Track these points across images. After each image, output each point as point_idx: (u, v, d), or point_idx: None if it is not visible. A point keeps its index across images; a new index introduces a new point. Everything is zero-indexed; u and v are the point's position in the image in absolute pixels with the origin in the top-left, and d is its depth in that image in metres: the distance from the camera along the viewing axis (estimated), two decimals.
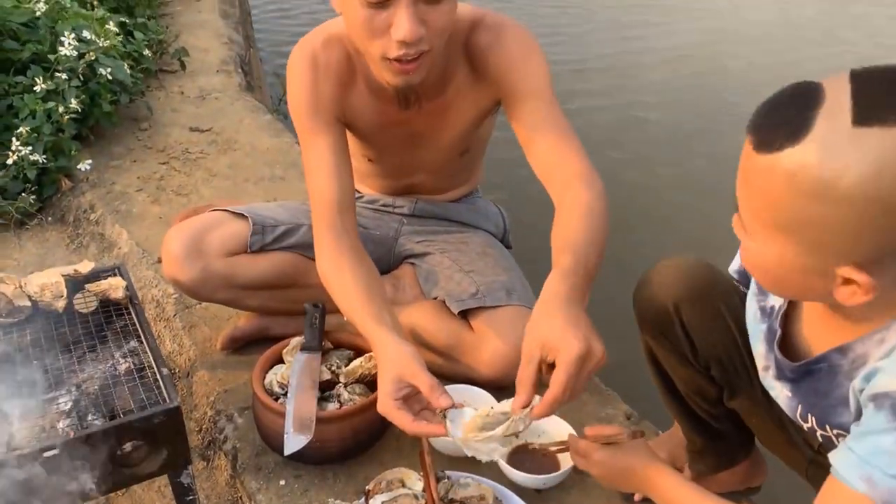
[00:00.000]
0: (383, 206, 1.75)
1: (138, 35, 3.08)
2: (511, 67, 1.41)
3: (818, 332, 0.93)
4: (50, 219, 2.31)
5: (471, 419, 1.11)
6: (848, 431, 0.88)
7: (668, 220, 3.40)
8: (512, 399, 1.08)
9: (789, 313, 0.97)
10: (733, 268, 1.15)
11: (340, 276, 1.32)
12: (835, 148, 0.73)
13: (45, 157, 2.26)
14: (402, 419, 1.09)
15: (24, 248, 2.16)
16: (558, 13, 6.82)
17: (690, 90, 5.03)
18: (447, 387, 1.23)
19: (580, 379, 1.03)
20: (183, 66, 3.32)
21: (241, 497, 1.41)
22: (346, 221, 1.39)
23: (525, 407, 1.06)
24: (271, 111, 3.19)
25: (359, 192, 1.76)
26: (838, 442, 0.92)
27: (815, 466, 1.08)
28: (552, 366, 1.04)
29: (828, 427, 0.93)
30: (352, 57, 1.42)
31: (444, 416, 1.09)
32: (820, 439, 0.97)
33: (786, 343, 0.98)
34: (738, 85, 5.09)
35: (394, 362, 1.14)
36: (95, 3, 3.03)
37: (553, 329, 1.05)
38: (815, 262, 0.79)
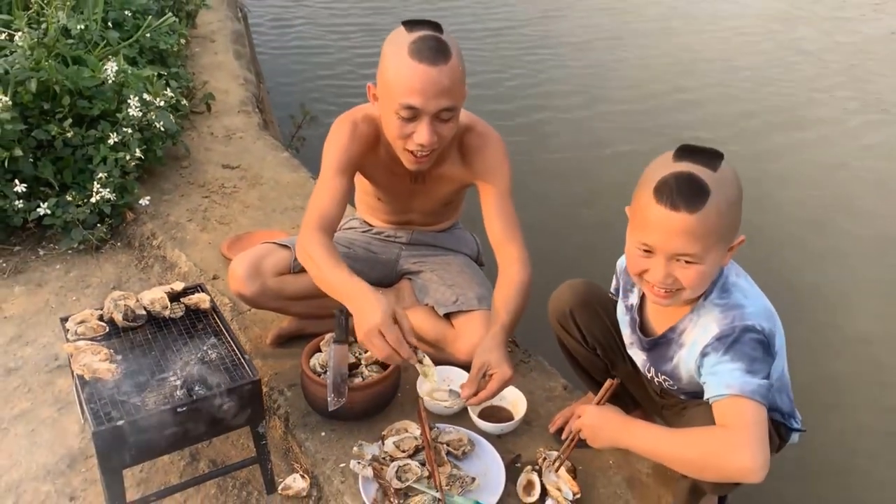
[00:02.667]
0: (387, 236, 2.35)
1: (173, 84, 3.67)
2: (488, 171, 2.03)
3: (656, 319, 1.57)
4: (119, 244, 2.89)
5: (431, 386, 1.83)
6: (668, 375, 1.50)
7: None
8: (461, 385, 1.80)
9: (641, 308, 1.59)
10: (613, 286, 1.77)
11: (317, 250, 1.84)
12: (721, 182, 1.33)
13: (114, 195, 2.85)
14: (387, 341, 1.67)
15: (103, 269, 2.75)
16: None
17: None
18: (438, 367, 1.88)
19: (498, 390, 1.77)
20: (209, 108, 3.91)
21: (292, 446, 2.00)
22: (328, 226, 1.92)
23: (468, 398, 1.78)
24: (286, 147, 3.77)
25: (370, 224, 2.36)
26: (665, 384, 1.54)
27: (665, 409, 1.70)
28: (487, 377, 1.78)
29: (659, 373, 1.57)
30: (379, 133, 2.00)
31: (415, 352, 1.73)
32: (656, 384, 1.60)
33: (641, 326, 1.60)
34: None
35: (383, 303, 1.69)
36: (138, 58, 3.61)
37: (495, 358, 1.78)
38: (726, 247, 1.39)
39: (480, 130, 2.03)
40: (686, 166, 1.34)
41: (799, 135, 5.36)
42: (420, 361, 1.75)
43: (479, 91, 5.82)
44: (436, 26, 1.80)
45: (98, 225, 2.83)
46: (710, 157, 1.34)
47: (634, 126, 5.42)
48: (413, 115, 1.80)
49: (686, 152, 1.36)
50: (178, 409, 1.66)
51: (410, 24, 1.79)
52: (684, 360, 1.49)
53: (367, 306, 1.71)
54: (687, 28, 7.86)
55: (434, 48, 1.75)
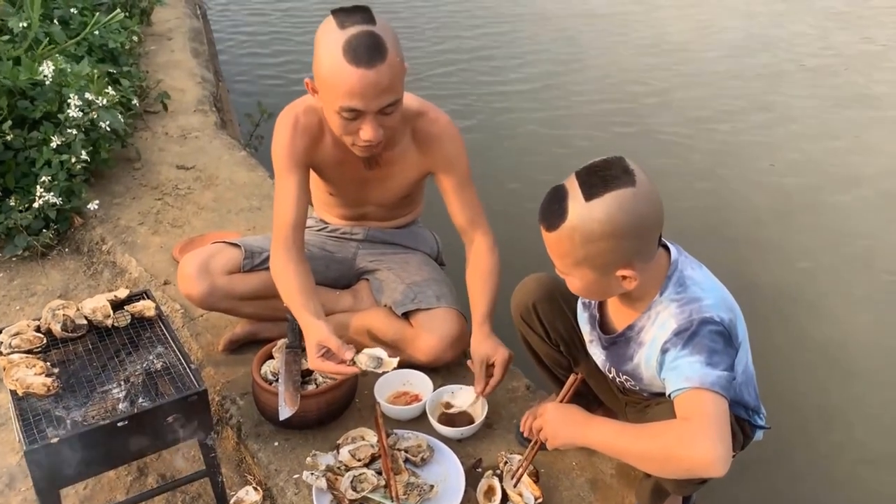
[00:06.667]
0: (343, 234, 2.27)
1: (124, 82, 3.54)
2: (447, 160, 2.00)
3: (616, 316, 1.52)
4: (67, 250, 2.78)
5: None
6: (629, 374, 1.45)
7: None
8: (470, 388, 1.90)
9: (600, 305, 1.54)
10: None
11: (286, 276, 1.88)
12: (583, 215, 1.31)
13: (60, 199, 2.73)
14: (326, 366, 1.71)
15: (49, 276, 2.64)
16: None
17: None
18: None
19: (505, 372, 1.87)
20: (165, 107, 3.79)
21: (245, 457, 1.92)
22: (296, 238, 1.94)
23: (481, 392, 1.86)
24: (244, 146, 3.67)
25: (325, 222, 2.29)
26: (627, 383, 1.48)
27: (629, 406, 1.65)
28: (490, 366, 1.87)
29: (620, 373, 1.52)
30: (322, 122, 1.95)
31: (354, 363, 1.71)
32: (617, 382, 1.54)
33: (601, 324, 1.54)
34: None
35: (314, 333, 1.73)
36: (87, 57, 3.48)
37: (490, 347, 1.88)
38: (604, 274, 1.37)
39: (433, 117, 1.99)
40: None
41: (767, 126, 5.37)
42: (354, 361, 1.73)
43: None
44: (367, 15, 1.71)
45: (43, 230, 2.72)
46: (591, 184, 1.32)
47: (600, 120, 5.38)
48: (356, 115, 1.74)
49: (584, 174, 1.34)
50: (119, 424, 1.57)
51: (341, 17, 1.70)
52: (645, 358, 1.44)
53: (306, 340, 1.78)
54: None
55: (370, 47, 1.66)
